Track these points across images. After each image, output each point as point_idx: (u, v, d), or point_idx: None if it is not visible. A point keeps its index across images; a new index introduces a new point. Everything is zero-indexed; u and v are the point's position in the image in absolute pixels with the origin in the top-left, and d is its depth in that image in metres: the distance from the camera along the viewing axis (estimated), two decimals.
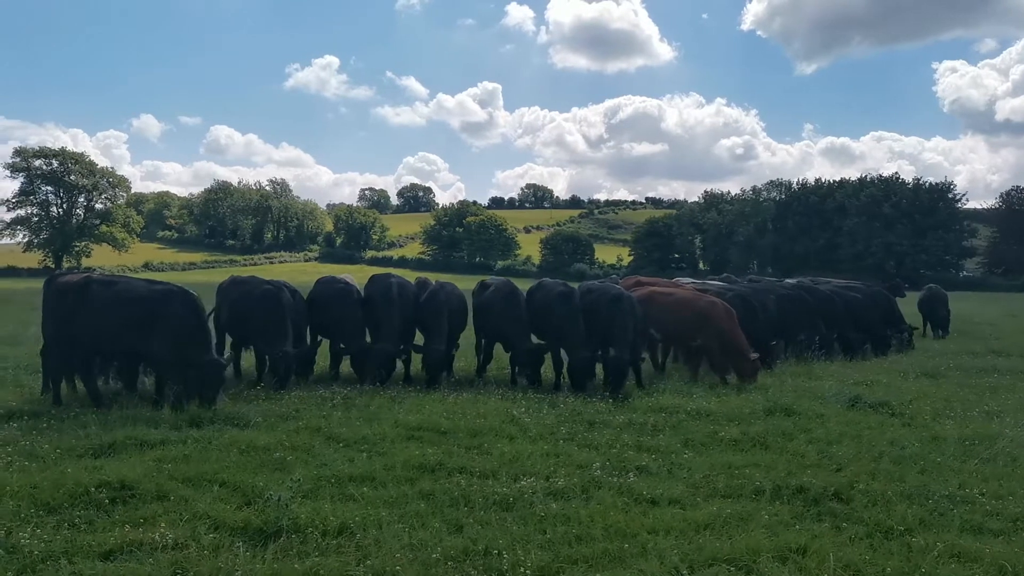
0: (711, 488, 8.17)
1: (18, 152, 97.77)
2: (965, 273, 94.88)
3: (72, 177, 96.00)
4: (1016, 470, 8.97)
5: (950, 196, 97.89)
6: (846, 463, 9.08)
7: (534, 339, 15.06)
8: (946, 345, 23.03)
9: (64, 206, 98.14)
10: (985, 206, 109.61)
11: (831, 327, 19.06)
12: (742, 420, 11.27)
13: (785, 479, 8.32)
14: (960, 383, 15.53)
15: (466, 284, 18.74)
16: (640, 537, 6.66)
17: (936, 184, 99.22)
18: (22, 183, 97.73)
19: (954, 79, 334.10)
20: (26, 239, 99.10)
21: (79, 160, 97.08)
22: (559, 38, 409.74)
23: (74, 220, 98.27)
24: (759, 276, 41.41)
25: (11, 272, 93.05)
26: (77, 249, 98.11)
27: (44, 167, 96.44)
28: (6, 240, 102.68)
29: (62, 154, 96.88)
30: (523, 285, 16.26)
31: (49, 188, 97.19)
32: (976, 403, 13.09)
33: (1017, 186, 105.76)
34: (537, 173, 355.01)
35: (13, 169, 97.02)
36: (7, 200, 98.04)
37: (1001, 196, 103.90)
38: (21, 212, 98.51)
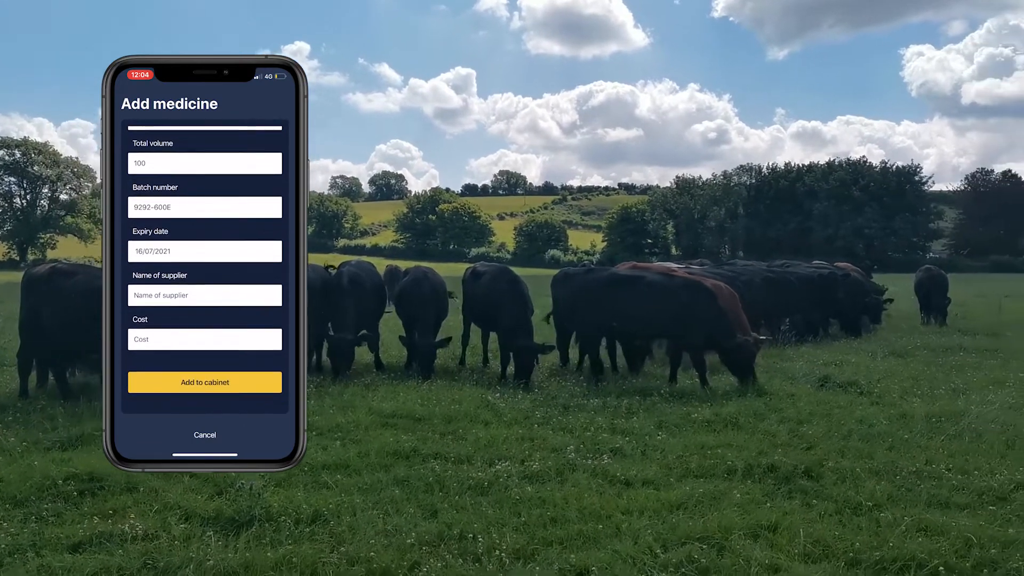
0: (684, 468, 8.23)
1: None
2: (932, 255, 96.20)
3: (35, 168, 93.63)
4: (981, 446, 9.12)
5: (917, 179, 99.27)
6: (816, 441, 9.20)
7: None
8: (914, 325, 23.25)
9: (28, 197, 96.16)
10: (952, 188, 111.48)
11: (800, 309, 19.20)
12: (715, 401, 11.39)
13: (757, 458, 8.41)
14: (927, 362, 15.76)
15: (441, 272, 18.61)
16: (614, 518, 6.69)
17: (903, 167, 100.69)
18: None
19: (921, 63, 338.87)
20: None
21: (42, 150, 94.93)
22: (532, 24, 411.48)
23: (38, 211, 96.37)
24: (733, 260, 41.69)
25: None
26: (42, 241, 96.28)
27: (6, 158, 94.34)
28: None
29: (24, 144, 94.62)
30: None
31: (12, 179, 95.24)
32: (943, 381, 13.31)
33: (982, 168, 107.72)
34: (511, 160, 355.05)
35: None
36: None
37: (967, 178, 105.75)
38: None
